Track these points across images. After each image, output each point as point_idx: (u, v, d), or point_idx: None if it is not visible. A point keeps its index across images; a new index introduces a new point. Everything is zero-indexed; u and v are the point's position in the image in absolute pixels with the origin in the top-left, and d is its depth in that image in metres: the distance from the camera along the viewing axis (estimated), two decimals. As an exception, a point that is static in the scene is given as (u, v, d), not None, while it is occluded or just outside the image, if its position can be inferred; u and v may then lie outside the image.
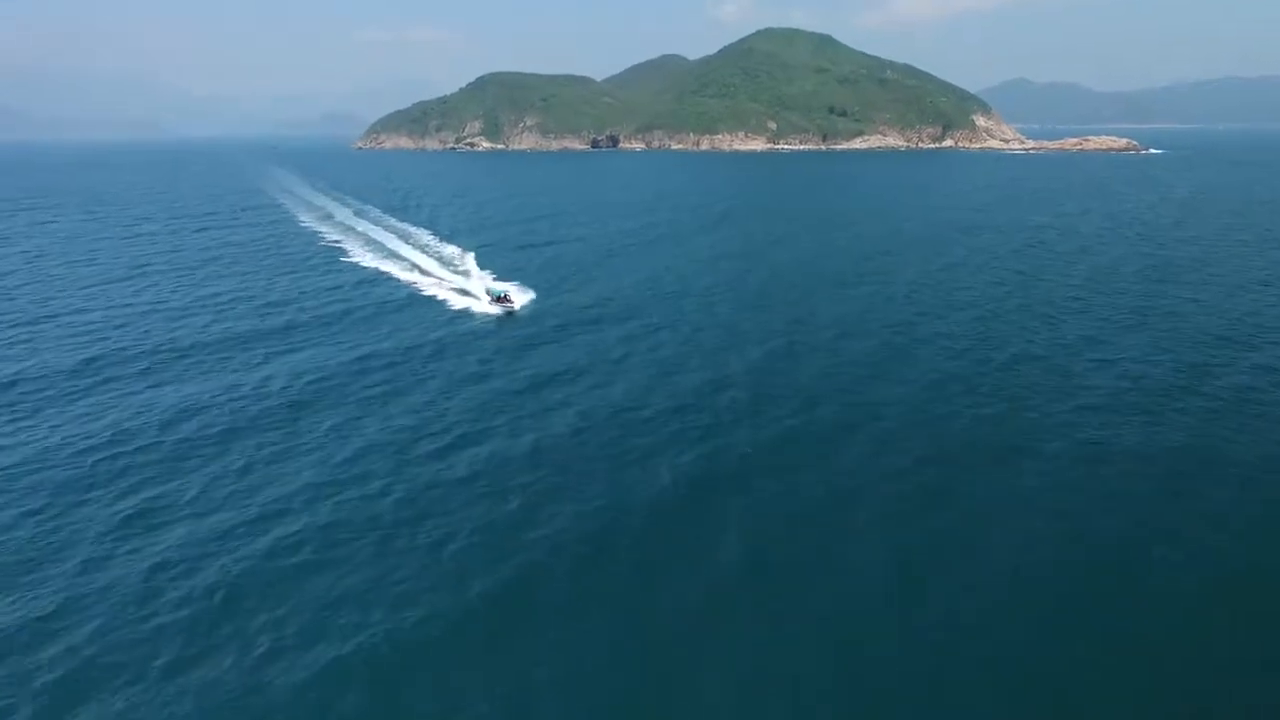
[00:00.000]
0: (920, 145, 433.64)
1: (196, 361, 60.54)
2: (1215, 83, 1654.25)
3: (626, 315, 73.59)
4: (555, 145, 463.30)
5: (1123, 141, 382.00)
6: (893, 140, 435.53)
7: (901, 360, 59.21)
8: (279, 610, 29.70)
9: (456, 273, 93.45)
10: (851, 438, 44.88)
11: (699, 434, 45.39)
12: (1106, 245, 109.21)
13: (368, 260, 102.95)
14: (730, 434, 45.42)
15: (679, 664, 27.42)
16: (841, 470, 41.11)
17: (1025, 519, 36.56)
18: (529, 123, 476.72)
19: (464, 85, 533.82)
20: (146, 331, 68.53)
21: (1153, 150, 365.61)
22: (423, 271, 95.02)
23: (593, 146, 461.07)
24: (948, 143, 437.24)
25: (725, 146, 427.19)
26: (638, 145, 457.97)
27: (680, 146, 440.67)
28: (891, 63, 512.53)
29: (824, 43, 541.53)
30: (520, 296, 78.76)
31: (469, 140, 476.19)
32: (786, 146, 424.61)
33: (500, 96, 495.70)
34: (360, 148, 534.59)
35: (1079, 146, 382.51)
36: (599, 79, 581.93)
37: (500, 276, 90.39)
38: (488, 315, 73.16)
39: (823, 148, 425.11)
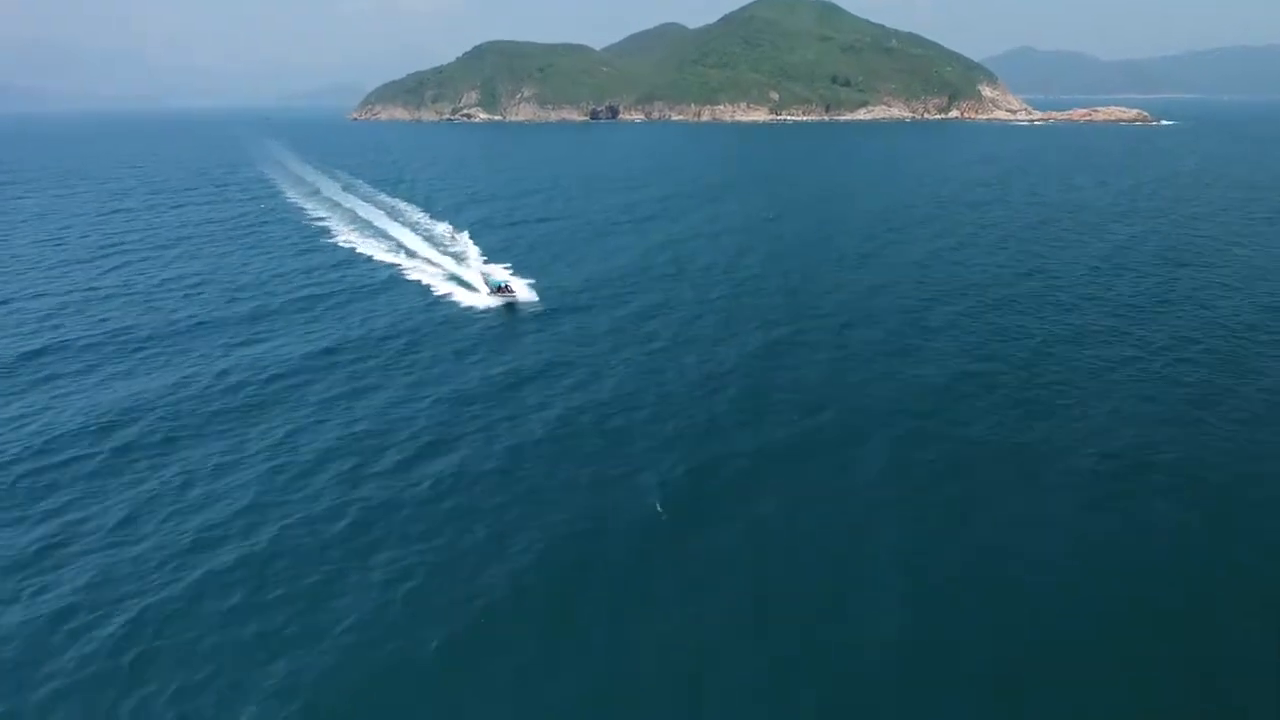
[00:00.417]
0: (926, 116, 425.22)
1: (151, 354, 55.91)
2: (1221, 52, 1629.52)
3: (618, 302, 68.81)
4: (553, 116, 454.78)
5: (1133, 112, 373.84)
6: (897, 111, 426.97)
7: (913, 354, 54.53)
8: (198, 672, 25.35)
9: (446, 253, 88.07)
10: (862, 449, 40.31)
11: (692, 445, 40.83)
12: (1133, 227, 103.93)
13: (351, 239, 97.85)
14: (727, 444, 40.84)
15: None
16: (852, 489, 36.59)
17: (1058, 550, 32.09)
18: (526, 93, 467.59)
19: (460, 54, 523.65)
20: (103, 320, 63.82)
21: (1164, 121, 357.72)
22: (409, 253, 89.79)
23: (591, 118, 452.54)
24: (953, 113, 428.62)
25: (727, 117, 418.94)
26: (637, 116, 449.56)
27: (681, 118, 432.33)
28: (896, 31, 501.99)
29: (827, 10, 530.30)
30: (523, 286, 71.56)
31: (465, 111, 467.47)
32: (789, 117, 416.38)
33: (497, 66, 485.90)
34: (356, 119, 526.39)
35: (1087, 117, 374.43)
36: (598, 48, 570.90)
37: (493, 258, 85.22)
38: (487, 307, 66.93)
39: (826, 119, 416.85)
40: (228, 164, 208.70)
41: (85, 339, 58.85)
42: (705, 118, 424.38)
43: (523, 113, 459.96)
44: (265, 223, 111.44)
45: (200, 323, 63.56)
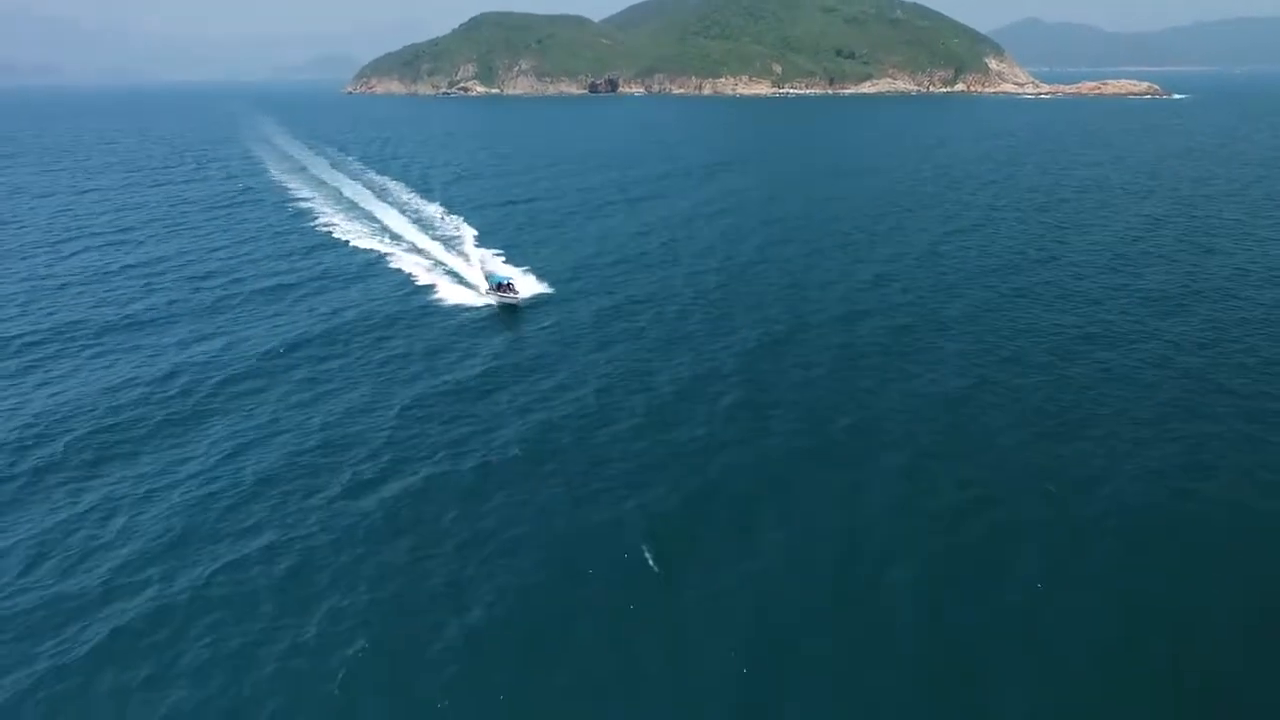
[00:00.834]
0: (931, 89, 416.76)
1: (97, 353, 51.25)
2: (1229, 23, 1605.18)
3: (607, 291, 63.99)
4: (551, 89, 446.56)
5: (1143, 85, 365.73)
6: (902, 84, 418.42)
7: (927, 355, 49.78)
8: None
9: (435, 237, 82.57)
10: (874, 474, 35.69)
11: (684, 467, 36.24)
12: (1154, 207, 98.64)
13: (333, 221, 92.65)
14: (722, 468, 36.25)
15: None
16: (864, 528, 32.03)
17: (1101, 612, 27.64)
18: (524, 66, 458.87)
19: (457, 26, 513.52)
20: (51, 313, 59.11)
21: (1176, 95, 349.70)
22: (393, 236, 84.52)
23: (591, 91, 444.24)
24: (959, 87, 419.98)
25: (728, 90, 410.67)
26: (637, 89, 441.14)
27: (681, 91, 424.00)
28: (902, 2, 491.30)
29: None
30: (528, 283, 64.32)
31: (462, 84, 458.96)
32: (792, 90, 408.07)
33: (495, 38, 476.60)
34: (350, 92, 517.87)
35: (1097, 91, 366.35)
36: (597, 20, 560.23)
37: (482, 240, 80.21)
38: (484, 305, 59.84)
39: (829, 92, 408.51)
40: (212, 140, 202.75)
41: (28, 335, 54.18)
42: (707, 91, 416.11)
43: (520, 86, 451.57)
44: (243, 203, 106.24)
45: (157, 316, 58.85)
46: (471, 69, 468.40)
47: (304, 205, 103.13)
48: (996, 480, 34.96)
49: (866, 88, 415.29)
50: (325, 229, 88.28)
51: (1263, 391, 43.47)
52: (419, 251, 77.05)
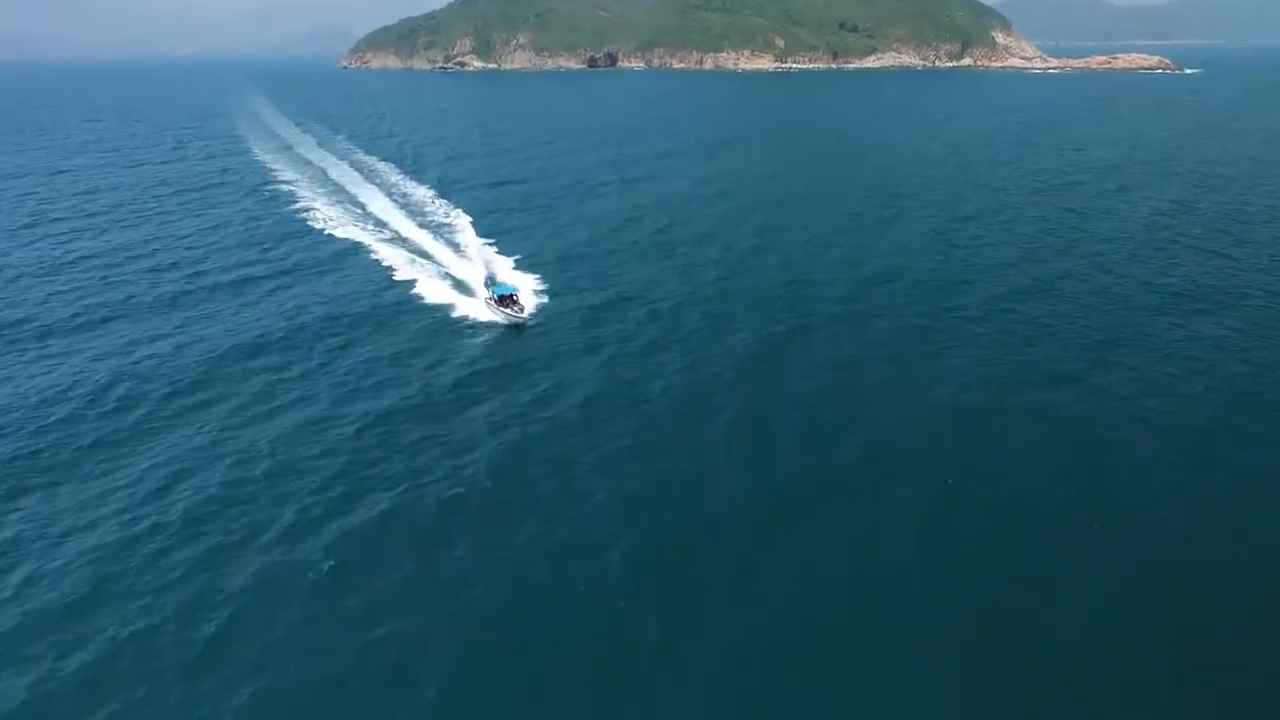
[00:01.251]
0: (937, 64, 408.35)
1: (36, 356, 46.90)
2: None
3: (598, 284, 59.49)
4: (550, 64, 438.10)
5: (1154, 59, 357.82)
6: (908, 59, 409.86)
7: (944, 362, 45.34)
8: None
9: (423, 225, 77.36)
10: (889, 512, 31.37)
11: (675, 499, 31.98)
12: (1178, 190, 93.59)
13: (313, 205, 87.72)
14: (716, 502, 31.96)
15: None
16: (883, 570, 27.81)
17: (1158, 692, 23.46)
18: (522, 40, 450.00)
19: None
20: (-6, 309, 54.74)
21: (1187, 70, 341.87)
22: (378, 223, 79.32)
23: (590, 65, 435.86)
24: (966, 61, 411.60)
25: (730, 65, 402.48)
26: (637, 64, 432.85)
27: (682, 65, 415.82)
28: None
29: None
30: (523, 284, 56.79)
31: (459, 59, 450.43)
32: (795, 65, 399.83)
33: (492, 11, 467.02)
34: (345, 67, 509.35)
35: (1106, 65, 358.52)
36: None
37: (475, 227, 75.27)
38: (489, 322, 51.32)
39: (833, 66, 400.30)
40: (197, 117, 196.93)
41: (-37, 337, 49.81)
42: (708, 65, 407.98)
43: (518, 60, 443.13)
44: (219, 185, 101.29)
45: (110, 314, 54.34)
46: (468, 43, 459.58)
47: (284, 188, 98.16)
48: (1027, 518, 30.64)
49: (871, 62, 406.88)
50: (303, 214, 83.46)
51: (1321, 407, 39.13)
52: (402, 241, 72.13)
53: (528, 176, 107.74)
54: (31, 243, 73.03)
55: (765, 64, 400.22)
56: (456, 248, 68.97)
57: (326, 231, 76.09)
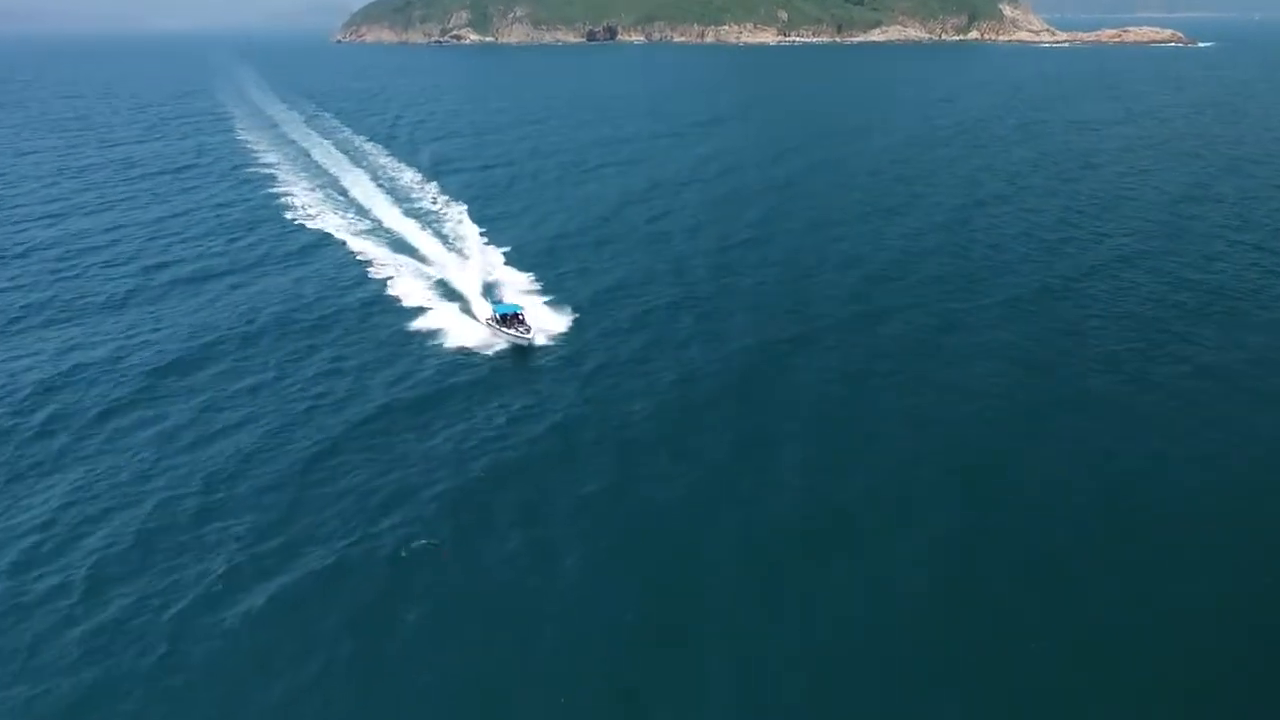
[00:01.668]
0: (943, 37, 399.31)
1: (-38, 368, 42.43)
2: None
3: (583, 281, 54.99)
4: (548, 38, 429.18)
5: (1166, 33, 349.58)
6: (914, 32, 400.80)
7: (962, 372, 40.94)
8: None
9: (409, 213, 72.28)
10: (902, 560, 26.99)
11: (661, 556, 27.61)
12: (1208, 177, 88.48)
13: (292, 191, 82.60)
14: (709, 553, 27.59)
15: None
16: (899, 641, 23.50)
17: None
18: (519, 12, 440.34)
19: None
20: (-73, 310, 50.20)
21: (1201, 43, 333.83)
22: (360, 210, 74.03)
23: (589, 39, 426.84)
24: (973, 35, 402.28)
25: (732, 39, 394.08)
26: (637, 37, 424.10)
27: (683, 39, 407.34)
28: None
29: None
30: (545, 314, 47.73)
31: (455, 32, 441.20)
32: (798, 39, 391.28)
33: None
34: (340, 41, 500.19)
35: (1118, 39, 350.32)
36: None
37: (466, 217, 70.26)
38: (490, 348, 43.39)
39: (837, 40, 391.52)
40: (180, 93, 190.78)
41: (-115, 343, 45.33)
42: (709, 39, 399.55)
43: (515, 34, 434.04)
44: (193, 167, 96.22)
45: (54, 314, 49.85)
46: (465, 16, 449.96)
47: (262, 171, 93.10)
48: (1059, 587, 26.27)
49: (876, 35, 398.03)
50: (279, 200, 78.58)
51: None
52: (384, 231, 67.08)
53: (520, 158, 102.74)
54: (-18, 232, 68.43)
55: (768, 38, 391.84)
56: (445, 239, 63.98)
57: (302, 219, 71.33)
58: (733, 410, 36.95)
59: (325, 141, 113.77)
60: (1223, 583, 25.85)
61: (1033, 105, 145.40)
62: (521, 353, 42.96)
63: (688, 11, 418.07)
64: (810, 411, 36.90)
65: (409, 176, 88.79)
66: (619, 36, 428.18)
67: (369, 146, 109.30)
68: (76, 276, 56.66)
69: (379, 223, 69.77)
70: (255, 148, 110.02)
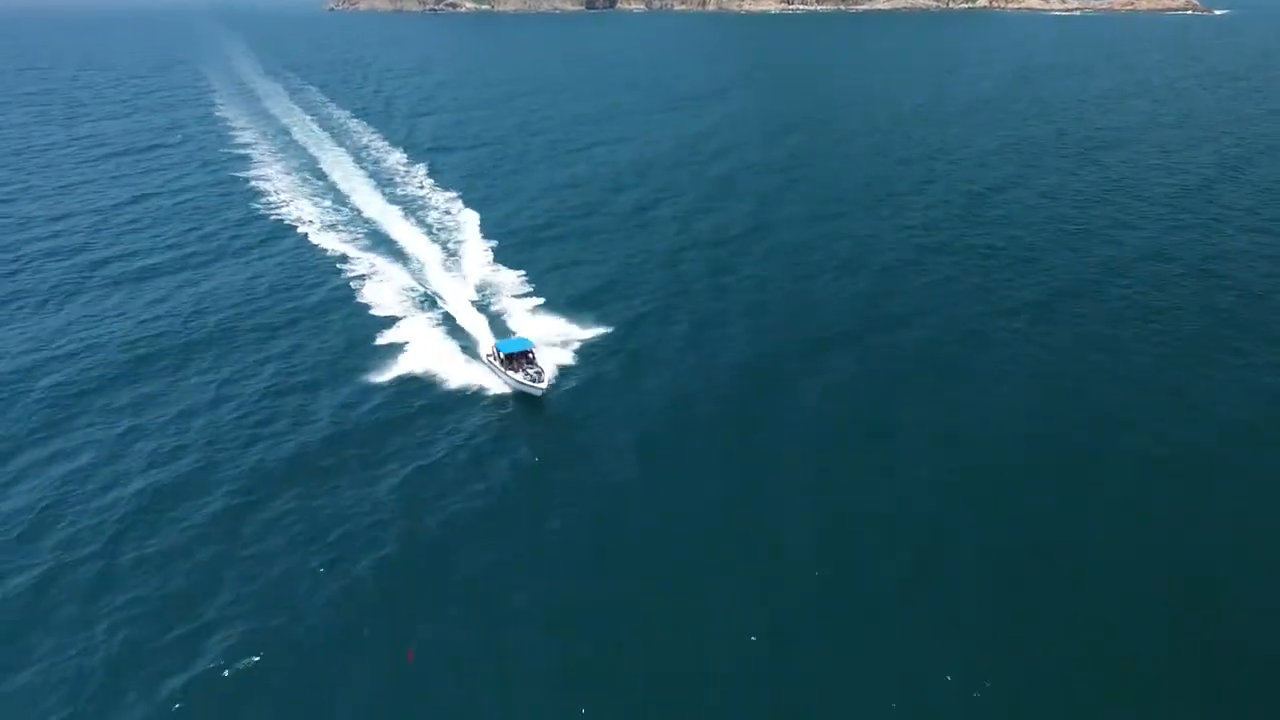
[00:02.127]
0: (951, 5, 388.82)
1: None
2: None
3: (564, 284, 50.04)
4: (546, 6, 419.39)
5: (1180, 0, 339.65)
6: (921, 0, 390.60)
7: (980, 393, 36.20)
8: None
9: (393, 200, 67.28)
10: (934, 666, 22.48)
11: (638, 657, 23.09)
12: (1243, 159, 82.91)
13: (263, 174, 77.51)
14: (701, 646, 23.07)
15: None
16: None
17: None
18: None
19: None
20: None
21: (1216, 11, 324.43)
22: (337, 196, 68.84)
23: (587, 7, 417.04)
24: (981, 2, 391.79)
25: (734, 7, 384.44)
26: (637, 6, 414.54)
27: (684, 7, 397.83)
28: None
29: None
30: (560, 344, 40.56)
31: (450, 0, 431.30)
32: (801, 7, 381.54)
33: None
34: (333, 9, 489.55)
35: (1129, 6, 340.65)
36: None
37: (454, 201, 65.32)
38: (492, 393, 36.20)
39: (842, 8, 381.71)
40: (160, 65, 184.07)
41: None
42: (711, 7, 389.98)
43: (512, 2, 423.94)
44: (163, 146, 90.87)
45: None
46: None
47: (236, 152, 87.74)
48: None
49: (881, 3, 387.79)
50: (249, 184, 73.52)
51: None
52: (360, 222, 61.90)
53: (510, 135, 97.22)
54: (-76, 219, 63.51)
55: (770, 5, 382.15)
56: (428, 230, 59.05)
57: (270, 206, 66.39)
58: (728, 442, 32.38)
59: (308, 118, 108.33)
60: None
61: (1044, 77, 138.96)
62: (527, 400, 35.19)
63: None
64: (809, 464, 32.23)
65: (394, 158, 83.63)
66: (619, 4, 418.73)
67: (354, 124, 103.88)
68: (16, 271, 51.90)
69: (357, 211, 64.76)
70: (233, 125, 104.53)
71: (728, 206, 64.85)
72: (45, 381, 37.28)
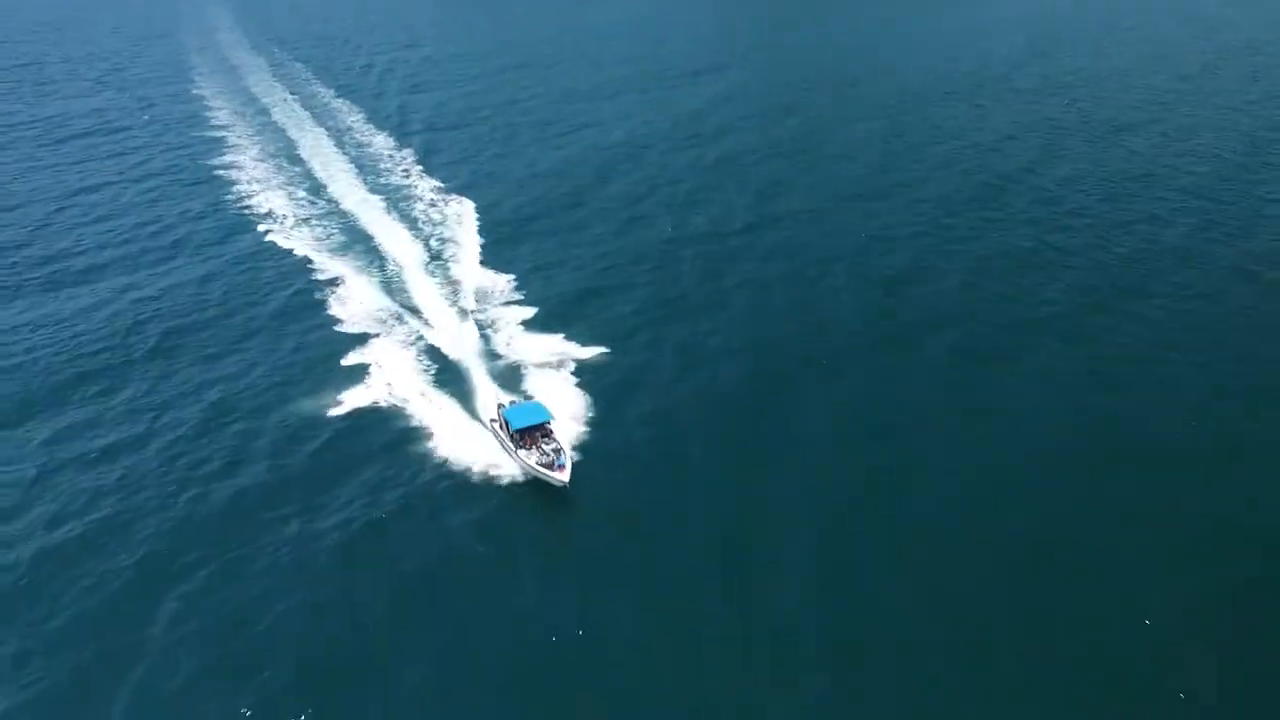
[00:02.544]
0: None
1: None
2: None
3: (548, 286, 45.74)
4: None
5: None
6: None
7: (1004, 420, 32.09)
8: None
9: (375, 188, 62.88)
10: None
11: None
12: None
13: (236, 160, 72.81)
14: None
15: None
16: None
17: None
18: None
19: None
20: None
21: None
22: (314, 186, 64.12)
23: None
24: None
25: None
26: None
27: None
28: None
29: None
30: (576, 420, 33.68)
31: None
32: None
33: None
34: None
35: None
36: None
37: (442, 189, 60.71)
38: (502, 475, 29.90)
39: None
40: (143, 37, 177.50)
41: None
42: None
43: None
44: (131, 127, 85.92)
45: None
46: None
47: (209, 134, 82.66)
48: None
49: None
50: (218, 171, 68.77)
51: None
52: (336, 215, 57.37)
53: (500, 112, 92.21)
54: None
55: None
56: (411, 223, 54.68)
57: (239, 195, 61.96)
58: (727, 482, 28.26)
59: (290, 96, 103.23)
60: None
61: (1053, 49, 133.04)
62: (541, 489, 28.67)
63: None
64: (820, 520, 28.12)
65: (378, 141, 78.99)
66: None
67: (337, 102, 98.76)
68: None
69: (333, 202, 60.35)
70: (210, 104, 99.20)
71: (727, 197, 60.33)
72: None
